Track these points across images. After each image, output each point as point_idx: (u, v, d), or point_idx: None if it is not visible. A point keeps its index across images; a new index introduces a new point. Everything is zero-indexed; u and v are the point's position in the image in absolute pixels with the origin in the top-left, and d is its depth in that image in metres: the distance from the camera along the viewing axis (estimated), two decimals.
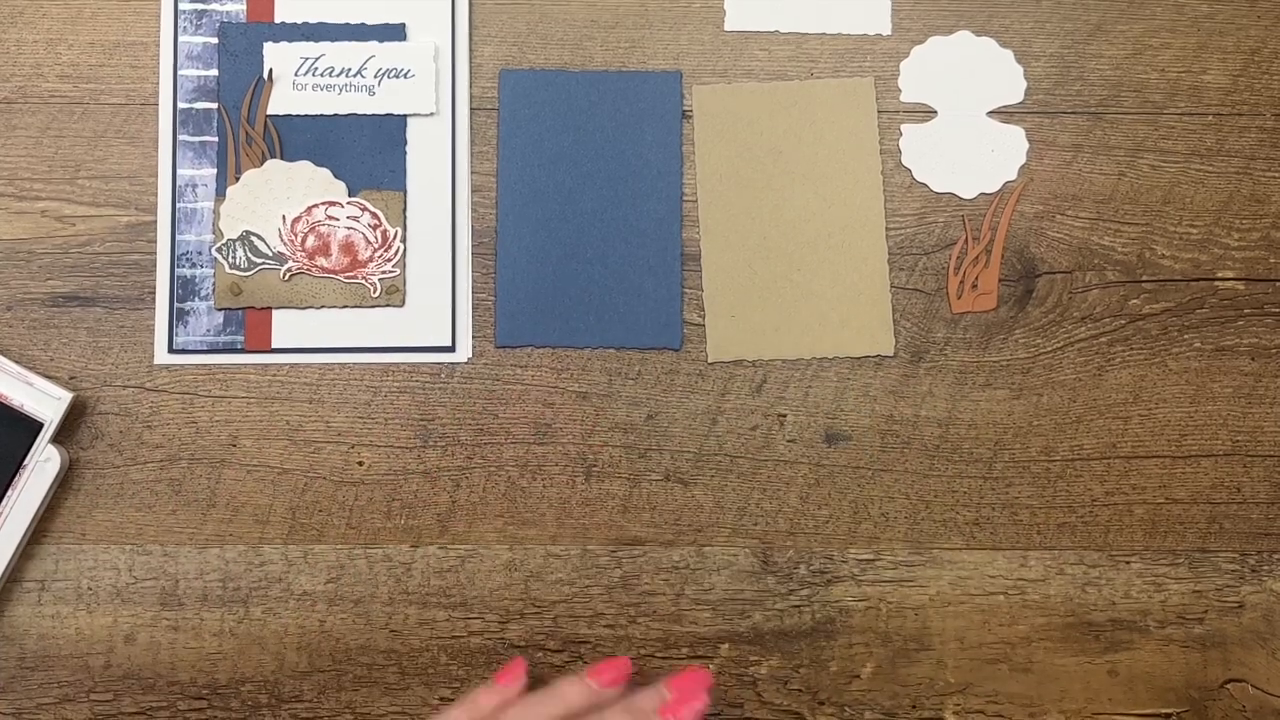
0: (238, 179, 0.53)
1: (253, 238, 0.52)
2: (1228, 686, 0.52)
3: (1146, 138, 0.54)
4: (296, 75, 0.53)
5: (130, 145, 0.53)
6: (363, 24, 0.54)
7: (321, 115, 0.53)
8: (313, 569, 0.51)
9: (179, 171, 0.53)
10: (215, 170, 0.53)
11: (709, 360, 0.53)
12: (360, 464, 0.52)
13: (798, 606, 0.51)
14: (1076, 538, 0.52)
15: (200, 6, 0.54)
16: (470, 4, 0.54)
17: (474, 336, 0.53)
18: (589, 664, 0.50)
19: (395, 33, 0.54)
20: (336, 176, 0.53)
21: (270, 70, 0.53)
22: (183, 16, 0.54)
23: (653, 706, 0.44)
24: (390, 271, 0.53)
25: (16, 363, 0.51)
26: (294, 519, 0.52)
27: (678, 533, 0.52)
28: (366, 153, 0.53)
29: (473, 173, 0.53)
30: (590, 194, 0.53)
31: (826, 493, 0.52)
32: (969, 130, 0.54)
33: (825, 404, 0.52)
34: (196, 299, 0.52)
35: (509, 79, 0.54)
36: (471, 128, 0.54)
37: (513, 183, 0.53)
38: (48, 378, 0.51)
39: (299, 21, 0.54)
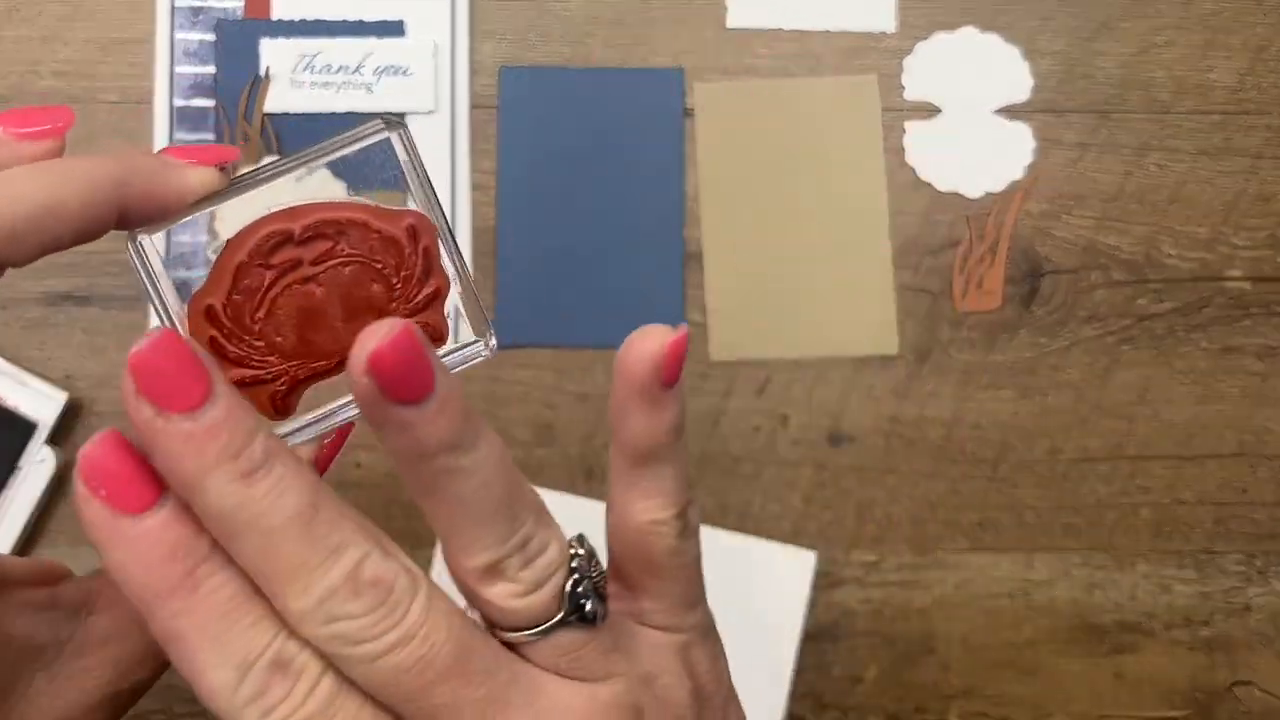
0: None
1: None
2: (1234, 689, 0.51)
3: (1153, 136, 0.54)
4: (294, 72, 0.53)
5: (127, 143, 0.53)
6: (361, 21, 0.53)
7: (319, 113, 0.53)
8: None
9: None
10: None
11: (711, 360, 0.52)
12: (358, 466, 0.51)
13: None
14: (1082, 539, 0.52)
15: (197, 3, 0.53)
16: (470, 0, 0.54)
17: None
18: None
19: (394, 29, 0.53)
20: (335, 175, 0.52)
21: (268, 67, 0.53)
22: (179, 13, 0.53)
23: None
24: None
25: (11, 362, 0.50)
26: None
27: None
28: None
29: (473, 171, 0.53)
30: (591, 192, 0.53)
31: (830, 494, 0.52)
32: (974, 128, 0.54)
33: (829, 404, 0.52)
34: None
35: (509, 76, 0.53)
36: (471, 125, 0.53)
37: (513, 181, 0.53)
38: (43, 378, 0.50)
39: (296, 18, 0.53)
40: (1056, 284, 0.53)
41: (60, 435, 0.50)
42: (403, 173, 0.29)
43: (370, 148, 0.29)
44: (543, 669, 0.25)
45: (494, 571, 0.25)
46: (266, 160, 0.52)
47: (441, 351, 0.30)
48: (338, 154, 0.30)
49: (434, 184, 0.29)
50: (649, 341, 0.28)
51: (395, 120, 0.29)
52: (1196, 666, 0.51)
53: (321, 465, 0.32)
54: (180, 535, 0.23)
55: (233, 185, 0.30)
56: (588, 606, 0.25)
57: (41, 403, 0.49)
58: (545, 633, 0.25)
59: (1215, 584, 0.52)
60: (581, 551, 0.26)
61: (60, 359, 0.51)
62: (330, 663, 0.23)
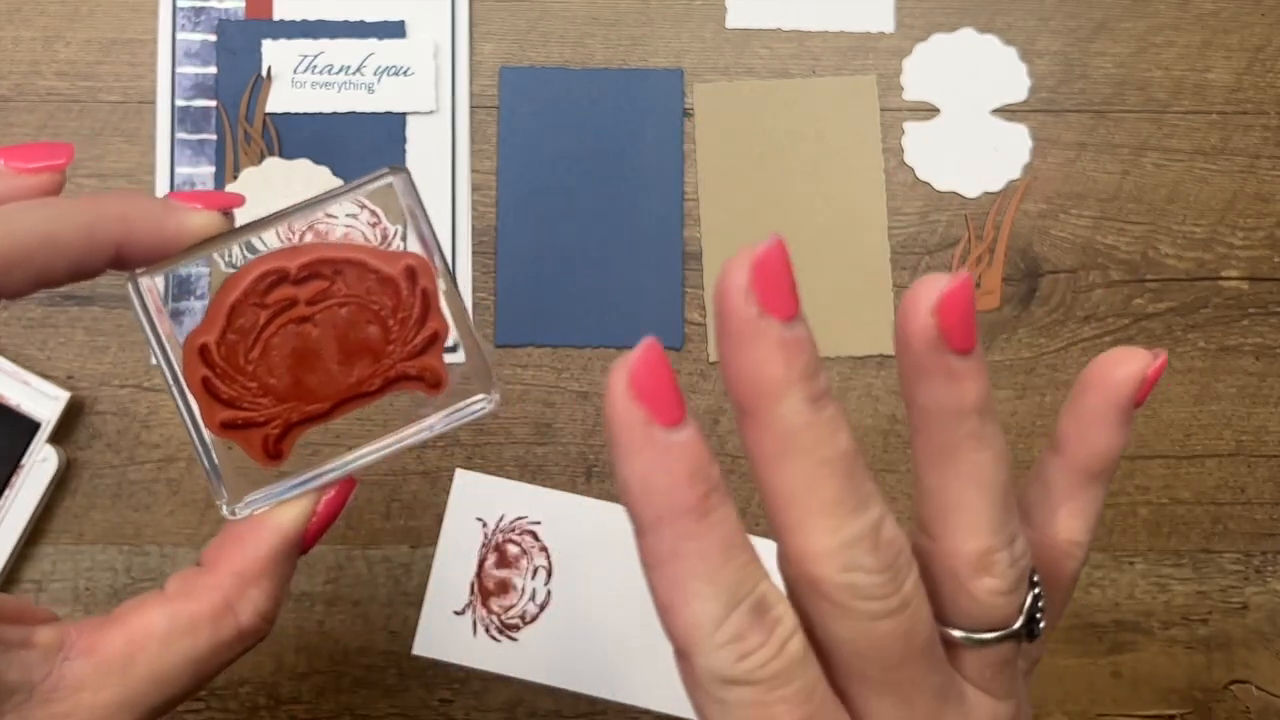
0: (236, 177, 0.52)
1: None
2: (1232, 688, 0.52)
3: (1150, 136, 0.54)
4: (295, 73, 0.53)
5: (128, 143, 0.53)
6: (362, 21, 0.53)
7: (320, 113, 0.53)
8: (311, 570, 0.51)
9: (177, 169, 0.52)
10: (214, 168, 0.53)
11: (711, 360, 0.52)
12: None
13: None
14: None
15: (198, 4, 0.53)
16: (470, 1, 0.54)
17: None
18: None
19: (395, 30, 0.53)
20: (335, 174, 0.53)
21: (269, 68, 0.53)
22: (181, 14, 0.53)
23: None
24: None
25: (14, 361, 0.50)
26: None
27: None
28: (366, 151, 0.53)
29: (473, 171, 0.53)
30: (591, 192, 0.53)
31: None
32: (972, 128, 0.54)
33: None
34: (193, 298, 0.52)
35: (509, 76, 0.54)
36: (471, 125, 0.53)
37: (513, 181, 0.53)
38: (45, 377, 0.50)
39: (298, 19, 0.53)
40: (1054, 284, 0.53)
41: (62, 434, 0.51)
42: (404, 217, 0.29)
43: (373, 194, 0.29)
44: (962, 674, 0.24)
45: (986, 561, 0.23)
46: (268, 161, 0.52)
47: (446, 408, 0.30)
48: (344, 199, 0.29)
49: (438, 234, 0.29)
50: (1136, 361, 0.26)
51: (399, 168, 0.29)
52: (1194, 665, 0.52)
53: (322, 521, 0.31)
54: (702, 457, 0.22)
55: (237, 230, 0.29)
56: (1040, 624, 0.24)
57: (43, 402, 0.50)
58: (994, 640, 0.24)
59: (1213, 583, 0.52)
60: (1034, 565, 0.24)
61: (62, 358, 0.52)
62: (803, 621, 0.22)
